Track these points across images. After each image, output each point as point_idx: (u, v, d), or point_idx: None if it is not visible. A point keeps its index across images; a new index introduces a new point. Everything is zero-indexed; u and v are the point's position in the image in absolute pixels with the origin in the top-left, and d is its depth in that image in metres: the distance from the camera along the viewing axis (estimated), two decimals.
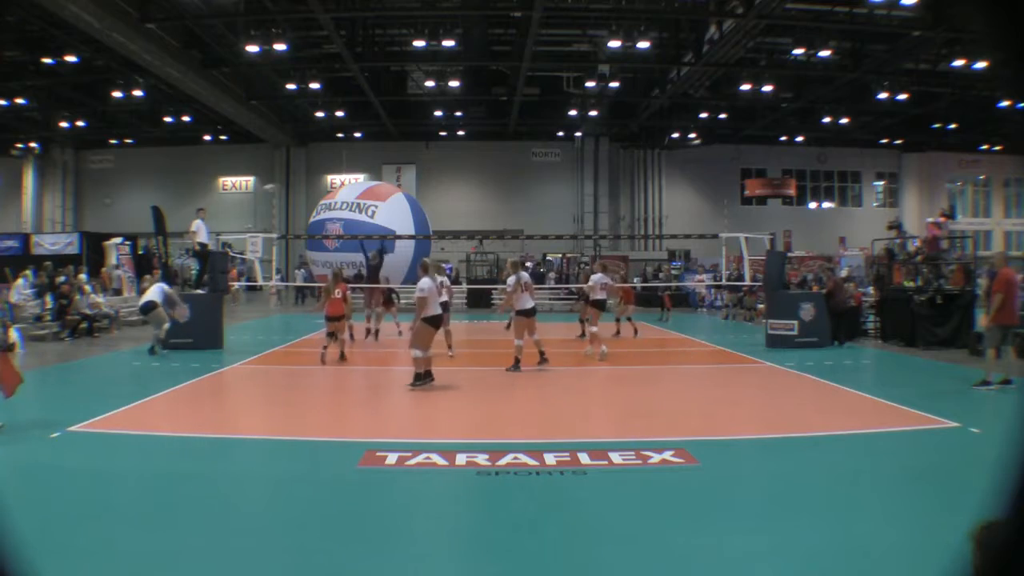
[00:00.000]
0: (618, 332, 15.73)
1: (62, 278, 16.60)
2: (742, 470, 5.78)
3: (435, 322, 9.16)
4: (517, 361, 10.63)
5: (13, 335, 13.04)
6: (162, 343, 12.64)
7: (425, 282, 9.09)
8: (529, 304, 10.78)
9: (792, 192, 37.38)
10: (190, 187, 35.18)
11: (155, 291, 12.86)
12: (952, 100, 27.83)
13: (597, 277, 12.67)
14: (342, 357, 11.90)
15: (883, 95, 26.27)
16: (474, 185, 36.75)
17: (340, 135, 35.66)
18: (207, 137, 35.59)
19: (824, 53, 21.96)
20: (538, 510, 4.74)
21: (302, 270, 26.25)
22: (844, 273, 22.56)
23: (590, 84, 26.38)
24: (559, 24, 23.19)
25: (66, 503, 4.81)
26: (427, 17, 21.71)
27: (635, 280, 27.11)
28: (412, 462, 5.64)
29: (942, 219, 15.23)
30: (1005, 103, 25.15)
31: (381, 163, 36.07)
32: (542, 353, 10.83)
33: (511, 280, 10.81)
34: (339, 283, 12.25)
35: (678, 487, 5.21)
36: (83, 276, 17.48)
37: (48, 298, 15.86)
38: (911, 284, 15.58)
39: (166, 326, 12.61)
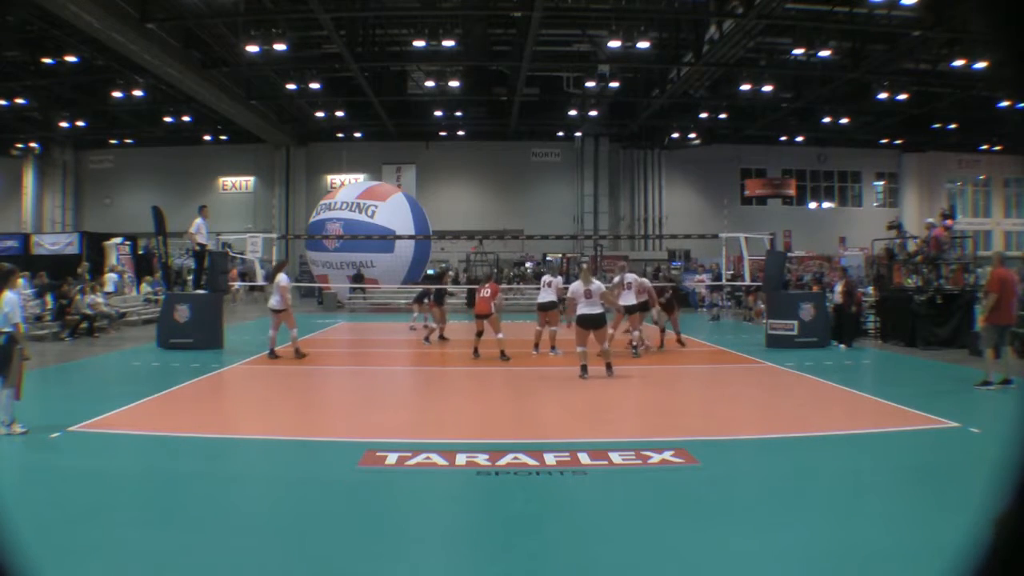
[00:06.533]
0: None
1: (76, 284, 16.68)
2: (742, 470, 5.78)
3: (579, 322, 9.96)
4: (636, 346, 12.30)
5: (21, 331, 13.08)
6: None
7: (574, 286, 10.12)
8: (630, 301, 12.08)
9: (792, 192, 37.36)
10: (190, 187, 35.16)
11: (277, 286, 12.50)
12: (952, 100, 27.82)
13: (632, 277, 12.17)
14: (476, 354, 12.08)
15: (883, 95, 26.27)
16: (474, 185, 36.73)
17: (340, 135, 35.65)
18: (207, 137, 35.58)
19: (824, 53, 21.95)
20: (538, 510, 4.74)
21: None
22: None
23: (590, 84, 26.37)
24: (559, 24, 23.19)
25: (66, 503, 4.80)
26: (427, 17, 21.72)
27: None
28: (412, 462, 5.64)
29: (949, 222, 15.20)
30: (1005, 103, 25.16)
31: (381, 163, 36.06)
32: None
33: (615, 279, 12.26)
34: (489, 282, 12.44)
35: (678, 487, 5.21)
36: (111, 276, 17.75)
37: (48, 298, 15.85)
38: (911, 284, 15.57)
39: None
